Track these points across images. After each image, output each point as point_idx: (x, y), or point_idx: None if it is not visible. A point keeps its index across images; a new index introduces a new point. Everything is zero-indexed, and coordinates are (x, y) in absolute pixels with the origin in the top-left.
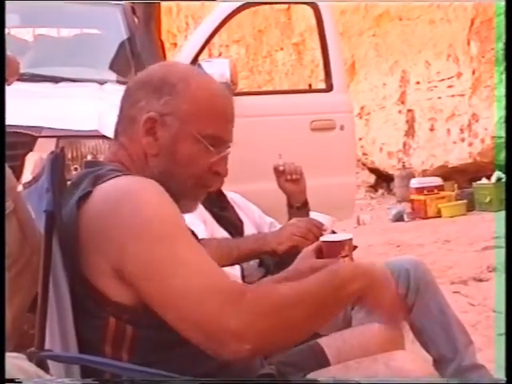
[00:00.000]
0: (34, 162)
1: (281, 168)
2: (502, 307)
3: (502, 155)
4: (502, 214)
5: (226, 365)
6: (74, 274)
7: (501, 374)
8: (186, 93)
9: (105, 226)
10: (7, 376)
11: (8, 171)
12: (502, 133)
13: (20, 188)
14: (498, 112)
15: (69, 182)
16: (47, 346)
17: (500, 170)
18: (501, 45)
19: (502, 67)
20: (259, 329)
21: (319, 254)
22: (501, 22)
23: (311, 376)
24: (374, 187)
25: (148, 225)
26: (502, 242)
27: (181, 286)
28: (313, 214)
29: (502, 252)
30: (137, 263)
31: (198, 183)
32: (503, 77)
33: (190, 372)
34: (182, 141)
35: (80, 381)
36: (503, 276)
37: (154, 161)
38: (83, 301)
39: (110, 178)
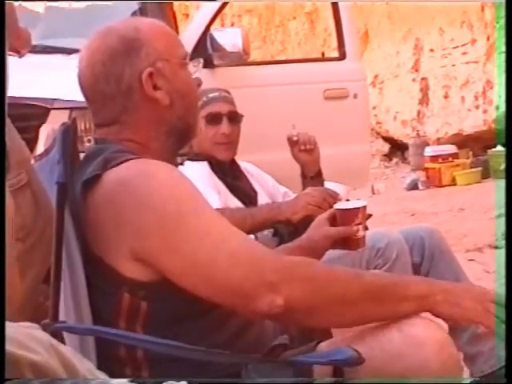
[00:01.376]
0: (46, 134)
1: (294, 138)
2: None
3: None
4: None
5: (239, 335)
6: (85, 252)
7: None
8: (149, 35)
9: (123, 211)
10: (20, 344)
11: (21, 143)
12: None
13: (33, 161)
14: None
15: (81, 154)
16: (61, 317)
17: None
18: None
19: None
20: (295, 289)
21: (333, 221)
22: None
23: (322, 345)
24: (388, 156)
25: (167, 203)
26: None
27: (208, 255)
28: (327, 184)
29: None
30: (160, 241)
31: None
32: None
33: (205, 343)
34: (177, 74)
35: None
36: None
37: (170, 110)
38: (96, 278)
39: (121, 162)
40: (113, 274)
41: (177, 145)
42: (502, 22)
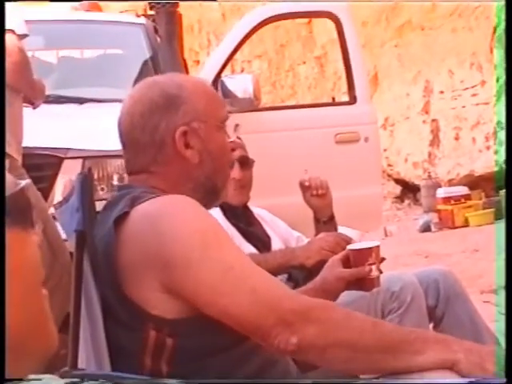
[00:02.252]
0: (63, 184)
1: (306, 183)
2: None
3: None
4: None
5: (263, 371)
6: (112, 292)
7: None
8: (191, 94)
9: (149, 244)
10: None
11: (37, 193)
12: None
13: (51, 209)
14: None
15: (97, 203)
16: (81, 363)
17: None
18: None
19: None
20: (309, 331)
21: (346, 262)
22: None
23: None
24: (400, 198)
25: (192, 236)
26: None
27: (230, 289)
28: (341, 229)
29: None
30: (185, 273)
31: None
32: None
33: (229, 378)
34: (212, 136)
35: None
36: None
37: (198, 169)
38: (123, 315)
39: (147, 199)
40: (139, 310)
41: (201, 202)
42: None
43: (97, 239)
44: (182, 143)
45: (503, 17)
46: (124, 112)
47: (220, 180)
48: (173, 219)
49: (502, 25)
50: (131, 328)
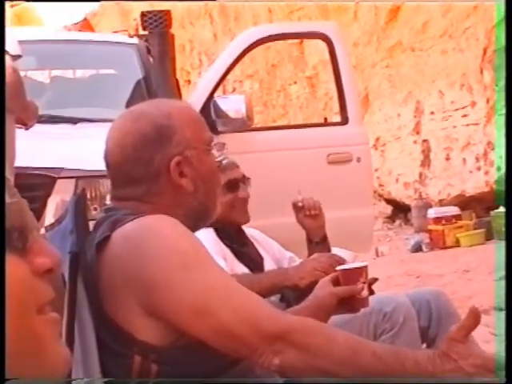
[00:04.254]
0: (55, 205)
1: (299, 204)
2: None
3: None
4: None
5: None
6: (98, 315)
7: None
8: (180, 122)
9: (129, 267)
10: None
11: (29, 213)
12: None
13: (43, 231)
14: None
15: (90, 223)
16: None
17: None
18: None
19: None
20: (290, 355)
21: (336, 283)
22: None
23: None
24: (391, 218)
25: (172, 256)
26: None
27: (213, 309)
28: (334, 250)
29: None
30: (167, 294)
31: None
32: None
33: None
34: (203, 161)
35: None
36: None
37: (192, 195)
38: (108, 340)
39: (128, 221)
40: (124, 335)
41: (191, 226)
42: (501, 84)
43: (87, 262)
44: (176, 173)
45: (503, 16)
46: (113, 144)
47: (211, 202)
48: (152, 240)
49: (493, 47)
50: (117, 352)
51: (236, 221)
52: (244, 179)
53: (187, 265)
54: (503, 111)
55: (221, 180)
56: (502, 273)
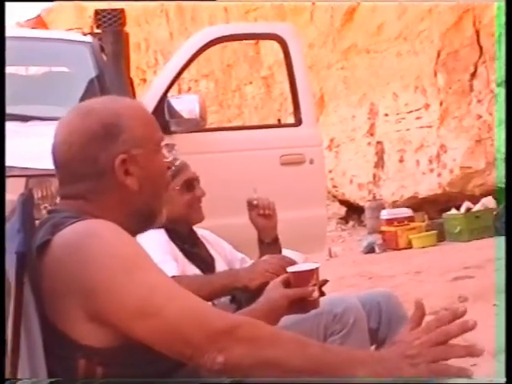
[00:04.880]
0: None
1: (254, 202)
2: (472, 338)
3: (471, 185)
4: (472, 243)
5: None
6: (42, 318)
7: None
8: (129, 121)
9: (69, 272)
10: None
11: None
12: (471, 163)
13: None
14: (466, 142)
15: (37, 222)
16: None
17: (469, 201)
18: (467, 76)
19: (469, 98)
20: (235, 351)
21: (287, 284)
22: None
23: None
24: (344, 219)
25: (113, 261)
26: (473, 271)
27: (156, 310)
28: (284, 251)
29: (472, 282)
30: (109, 299)
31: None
32: (471, 107)
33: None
34: (150, 160)
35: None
36: (474, 306)
37: (137, 195)
38: (52, 344)
39: (67, 225)
40: (68, 340)
41: (136, 227)
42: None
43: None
44: (121, 171)
45: (503, 17)
46: (60, 141)
47: (157, 204)
48: (92, 245)
49: (446, 49)
50: (62, 356)
51: (193, 220)
52: (197, 178)
53: (128, 268)
54: (456, 114)
55: (178, 181)
56: (455, 274)
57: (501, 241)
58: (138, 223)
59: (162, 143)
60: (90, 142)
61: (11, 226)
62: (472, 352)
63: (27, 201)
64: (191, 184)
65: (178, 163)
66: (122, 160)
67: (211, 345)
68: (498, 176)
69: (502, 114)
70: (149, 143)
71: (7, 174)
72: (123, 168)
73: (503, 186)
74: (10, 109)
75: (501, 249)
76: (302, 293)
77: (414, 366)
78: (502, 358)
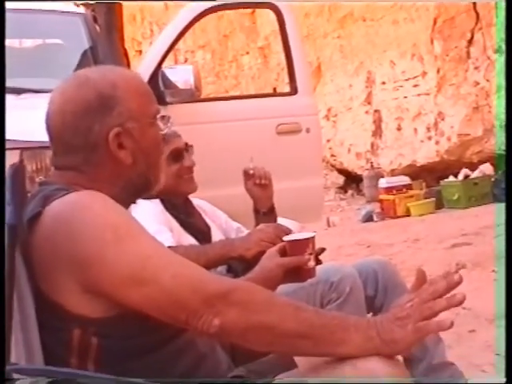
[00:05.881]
0: None
1: (251, 171)
2: (471, 304)
3: (469, 152)
4: (470, 211)
5: (194, 368)
6: (35, 291)
7: (471, 372)
8: (125, 94)
9: (61, 244)
10: None
11: None
12: (468, 130)
13: None
14: (463, 110)
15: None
16: (13, 359)
17: (467, 168)
18: (464, 42)
19: (466, 65)
20: (230, 313)
21: (283, 254)
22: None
23: (280, 376)
24: (343, 188)
25: (105, 231)
26: (471, 238)
27: (151, 277)
28: (280, 220)
29: (470, 249)
30: (102, 269)
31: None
32: (468, 74)
33: (158, 377)
34: (145, 133)
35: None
36: (472, 273)
37: (131, 169)
38: (47, 316)
39: (58, 197)
40: (62, 311)
41: (130, 198)
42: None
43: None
44: (115, 144)
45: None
46: (54, 110)
47: (153, 175)
48: (83, 216)
49: (443, 17)
50: (55, 328)
51: (184, 190)
52: (187, 147)
53: (120, 238)
54: (453, 81)
55: (165, 151)
56: (454, 241)
57: (500, 207)
58: (132, 195)
59: (158, 115)
60: (84, 112)
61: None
62: (452, 302)
63: (17, 172)
64: (179, 154)
65: (164, 132)
66: (116, 133)
67: (207, 309)
68: (496, 143)
69: (501, 80)
70: (144, 117)
71: None
72: (117, 141)
73: (502, 152)
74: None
75: (499, 215)
76: (298, 261)
77: (402, 328)
78: (502, 322)
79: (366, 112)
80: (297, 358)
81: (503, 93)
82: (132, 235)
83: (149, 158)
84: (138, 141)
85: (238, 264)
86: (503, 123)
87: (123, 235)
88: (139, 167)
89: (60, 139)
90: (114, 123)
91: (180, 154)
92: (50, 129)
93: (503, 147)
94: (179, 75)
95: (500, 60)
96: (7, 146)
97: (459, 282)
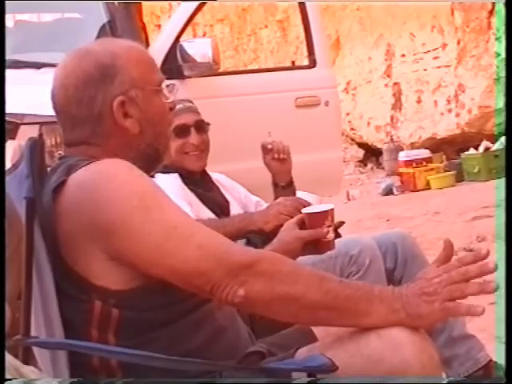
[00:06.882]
0: (12, 150)
1: (269, 146)
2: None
3: (489, 124)
4: (491, 183)
5: (213, 340)
6: (56, 262)
7: (491, 343)
8: (126, 63)
9: (87, 212)
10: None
11: None
12: (489, 102)
13: None
14: (484, 81)
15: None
16: (33, 332)
17: (488, 140)
18: (485, 13)
19: (487, 36)
20: (256, 284)
21: (302, 226)
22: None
23: (301, 351)
24: (362, 162)
25: (131, 199)
26: (491, 211)
27: (176, 247)
28: (299, 193)
29: (492, 221)
30: (127, 237)
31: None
32: (489, 45)
33: (178, 350)
34: (150, 101)
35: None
36: (493, 245)
37: (139, 137)
38: (67, 287)
39: (83, 166)
40: (83, 282)
41: (143, 169)
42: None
43: (44, 208)
44: (120, 114)
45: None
46: (57, 85)
47: (161, 144)
48: (108, 184)
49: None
50: (76, 299)
51: (187, 167)
52: (198, 124)
53: (146, 206)
54: (474, 53)
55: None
56: (474, 214)
57: None
58: (145, 165)
59: (163, 84)
60: (85, 83)
61: (20, 171)
62: (485, 289)
63: (35, 145)
64: (185, 130)
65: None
66: (120, 102)
67: (232, 279)
68: None
69: None
70: (147, 84)
71: (21, 121)
72: (122, 110)
73: None
74: (22, 56)
75: None
76: (317, 234)
77: (429, 304)
78: None
79: (386, 85)
80: (318, 330)
81: None
82: (158, 204)
83: (156, 126)
84: (144, 109)
85: (257, 238)
86: None
87: (149, 203)
88: (147, 136)
89: (66, 114)
90: (116, 92)
91: (185, 130)
92: (55, 105)
93: None
94: (197, 49)
95: None
96: (26, 120)
97: (491, 270)
